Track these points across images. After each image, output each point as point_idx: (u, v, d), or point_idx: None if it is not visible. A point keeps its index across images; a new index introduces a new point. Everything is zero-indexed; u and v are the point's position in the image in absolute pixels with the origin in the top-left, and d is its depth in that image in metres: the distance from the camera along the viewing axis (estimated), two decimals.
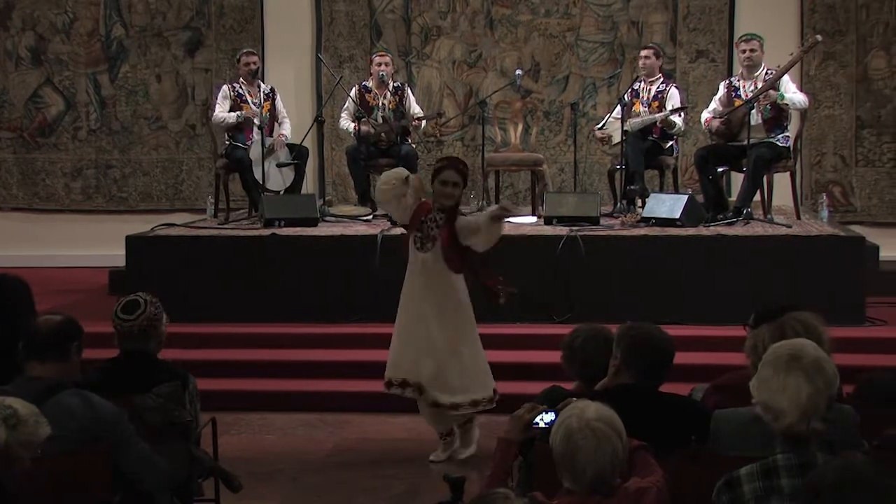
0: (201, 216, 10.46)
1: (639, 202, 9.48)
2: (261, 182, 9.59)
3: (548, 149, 11.25)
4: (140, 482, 4.15)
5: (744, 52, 9.26)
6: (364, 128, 9.82)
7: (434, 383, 6.33)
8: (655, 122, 9.47)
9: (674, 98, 9.57)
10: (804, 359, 3.33)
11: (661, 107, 9.54)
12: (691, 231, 8.65)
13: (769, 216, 9.18)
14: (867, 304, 8.36)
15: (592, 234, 8.59)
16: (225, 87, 10.00)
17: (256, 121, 9.75)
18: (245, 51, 10.23)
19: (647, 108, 9.62)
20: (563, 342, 4.65)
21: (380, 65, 10.05)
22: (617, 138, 9.57)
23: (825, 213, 9.69)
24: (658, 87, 9.67)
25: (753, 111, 8.99)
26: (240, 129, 9.81)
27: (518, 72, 10.48)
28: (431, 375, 6.33)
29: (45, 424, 3.57)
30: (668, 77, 10.26)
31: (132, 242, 8.98)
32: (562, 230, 8.65)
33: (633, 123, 9.50)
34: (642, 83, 9.76)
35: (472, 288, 6.45)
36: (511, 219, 9.49)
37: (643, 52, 9.89)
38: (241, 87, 9.95)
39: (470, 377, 6.38)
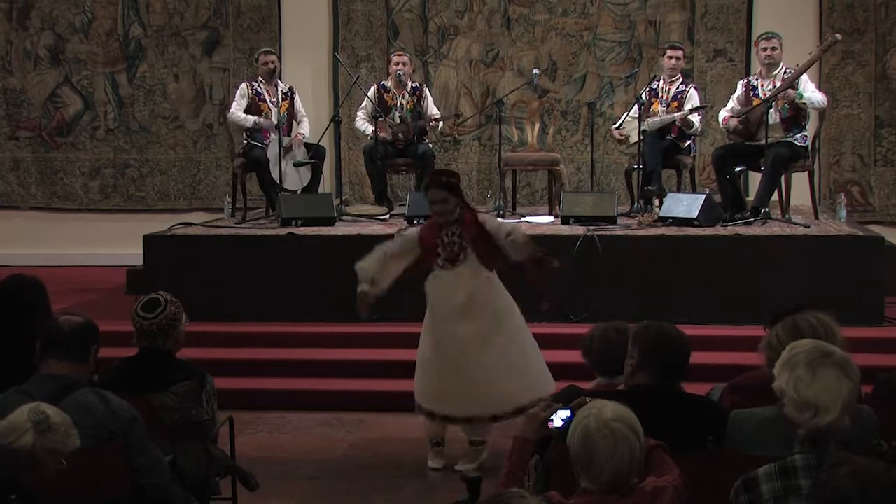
0: (219, 215, 10.48)
1: (656, 202, 9.47)
2: (278, 181, 9.60)
3: (565, 148, 11.24)
4: (143, 487, 4.13)
5: (764, 49, 9.21)
6: (382, 134, 9.84)
7: (481, 404, 6.13)
8: (674, 122, 9.45)
9: (693, 99, 9.54)
10: (835, 355, 3.34)
11: (680, 107, 9.50)
12: (709, 231, 8.62)
13: (787, 216, 9.16)
14: (886, 303, 8.33)
15: (609, 234, 8.57)
16: (244, 86, 10.02)
17: (274, 119, 9.77)
18: (264, 50, 10.25)
19: (665, 108, 9.59)
20: (582, 338, 4.71)
21: (398, 64, 10.05)
22: (634, 138, 9.55)
23: (843, 213, 9.66)
24: (678, 88, 9.64)
25: (771, 110, 8.96)
26: (257, 129, 9.82)
27: (535, 71, 10.47)
28: (477, 400, 6.13)
29: (76, 437, 3.60)
30: (687, 77, 10.23)
31: (150, 242, 9.02)
32: (579, 230, 8.63)
33: (651, 123, 9.49)
34: (661, 83, 9.73)
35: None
36: (529, 218, 9.53)
37: (672, 52, 9.73)
38: (259, 86, 9.96)
39: (520, 383, 6.13)
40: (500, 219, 6.50)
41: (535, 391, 5.97)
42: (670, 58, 9.69)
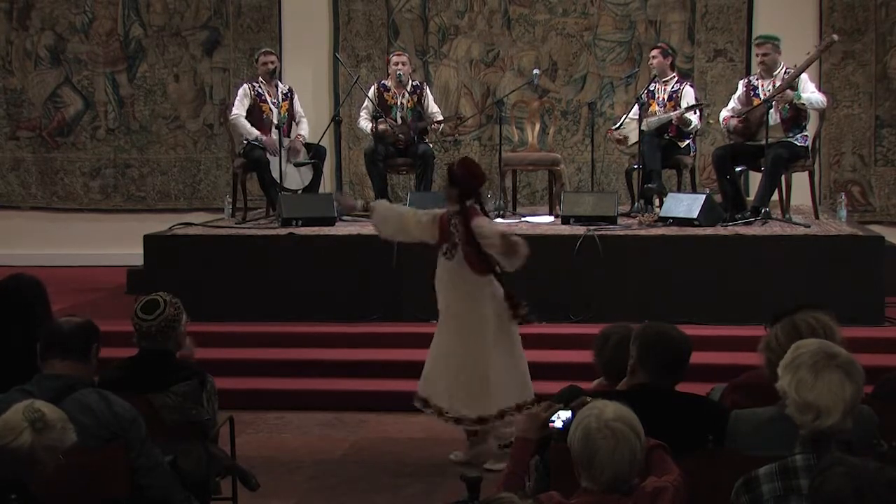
0: (219, 215, 10.48)
1: (656, 201, 9.46)
2: (278, 181, 9.60)
3: (565, 148, 11.24)
4: (144, 488, 4.13)
5: (757, 55, 9.29)
6: (381, 126, 9.83)
7: (454, 399, 6.20)
8: (671, 121, 9.45)
9: (688, 96, 9.56)
10: (839, 357, 3.32)
11: (677, 106, 9.52)
12: (709, 231, 8.62)
13: (787, 216, 9.15)
14: (886, 303, 8.33)
15: (610, 234, 8.57)
16: (245, 86, 10.01)
17: (274, 135, 9.73)
18: (263, 50, 10.25)
19: (662, 109, 9.61)
20: (599, 332, 4.66)
21: (397, 64, 10.05)
22: (634, 139, 9.55)
23: (843, 213, 9.66)
24: (672, 87, 9.66)
25: (772, 111, 8.96)
26: (258, 129, 9.81)
27: (535, 71, 10.48)
28: (449, 392, 6.22)
29: (72, 431, 3.60)
30: (684, 76, 10.25)
31: (150, 242, 9.01)
32: (579, 230, 8.63)
33: (649, 122, 9.50)
34: (657, 84, 9.75)
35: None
36: (529, 218, 9.53)
37: (651, 52, 9.94)
38: (260, 86, 9.96)
39: (497, 388, 6.18)
40: (496, 224, 6.45)
41: (492, 407, 6.13)
42: (651, 57, 9.84)
